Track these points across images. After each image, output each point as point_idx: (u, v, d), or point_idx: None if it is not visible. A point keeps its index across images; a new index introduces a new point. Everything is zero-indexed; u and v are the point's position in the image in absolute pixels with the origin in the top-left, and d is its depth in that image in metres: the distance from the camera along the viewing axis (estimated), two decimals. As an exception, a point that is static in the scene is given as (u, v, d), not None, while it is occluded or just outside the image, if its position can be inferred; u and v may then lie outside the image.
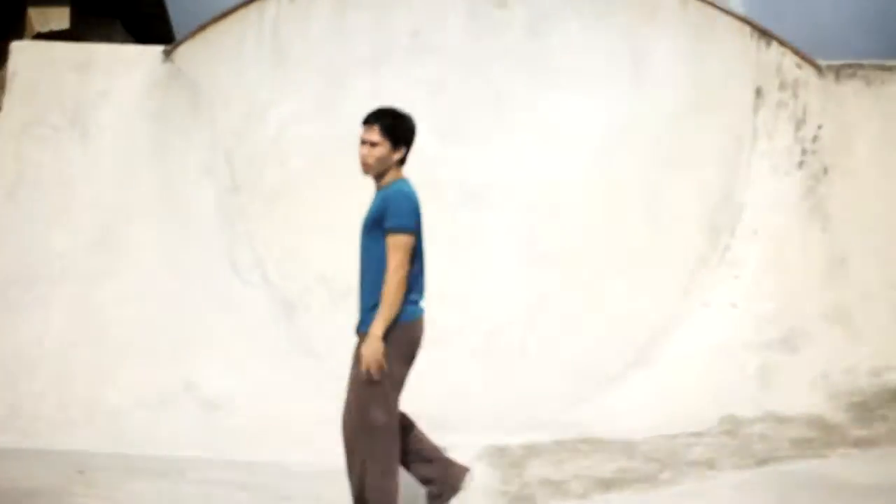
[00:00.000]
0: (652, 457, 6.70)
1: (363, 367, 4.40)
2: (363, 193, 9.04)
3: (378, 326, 4.40)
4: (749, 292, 8.39)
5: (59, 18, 13.64)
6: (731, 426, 7.35)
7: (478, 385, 8.19)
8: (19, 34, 13.09)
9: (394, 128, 4.73)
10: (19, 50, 9.13)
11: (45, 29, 13.44)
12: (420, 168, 9.08)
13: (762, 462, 6.56)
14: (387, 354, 4.45)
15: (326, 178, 9.02)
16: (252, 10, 9.28)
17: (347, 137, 9.41)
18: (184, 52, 9.10)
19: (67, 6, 13.63)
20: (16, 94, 8.85)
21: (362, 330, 4.54)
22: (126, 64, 8.97)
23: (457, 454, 6.63)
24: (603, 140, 9.19)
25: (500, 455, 6.83)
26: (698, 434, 7.21)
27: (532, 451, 6.92)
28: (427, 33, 9.43)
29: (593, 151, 9.16)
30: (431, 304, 8.45)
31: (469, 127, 9.30)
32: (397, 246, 4.48)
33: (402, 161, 4.82)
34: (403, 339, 4.55)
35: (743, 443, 6.99)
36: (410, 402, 7.46)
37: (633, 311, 8.55)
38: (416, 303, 4.66)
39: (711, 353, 8.08)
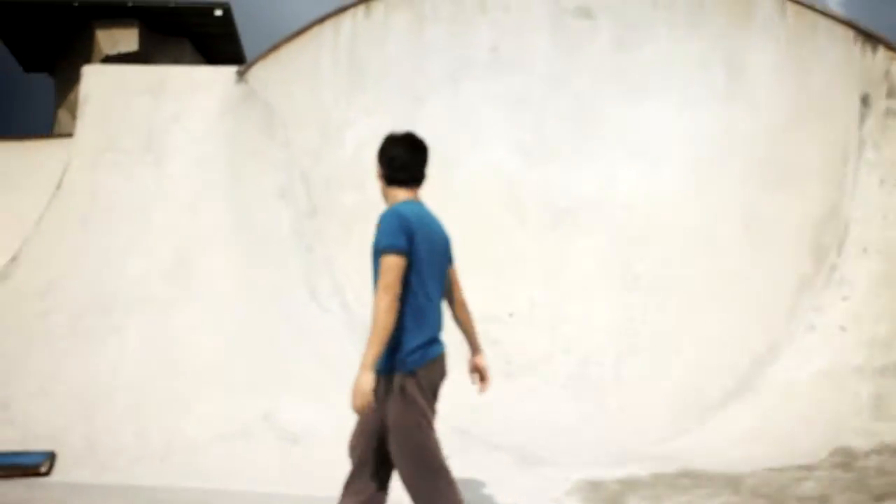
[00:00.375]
0: (759, 492, 6.60)
1: (353, 402, 4.03)
2: (445, 216, 9.20)
3: (367, 356, 4.02)
4: (859, 314, 8.23)
5: (128, 40, 14.08)
6: (845, 459, 7.20)
7: (569, 415, 8.19)
8: (87, 58, 13.53)
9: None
10: (91, 74, 9.44)
11: (113, 52, 13.89)
12: (502, 188, 9.29)
13: (880, 498, 6.41)
14: (406, 398, 4.17)
15: (407, 201, 9.14)
16: (327, 27, 9.50)
17: (431, 156, 9.53)
18: (257, 72, 9.34)
19: (136, 28, 14.05)
20: (88, 119, 9.18)
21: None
22: (199, 86, 9.24)
23: (548, 489, 6.66)
24: (697, 155, 9.17)
25: (594, 490, 6.80)
26: (808, 467, 7.08)
27: (629, 485, 6.87)
28: (507, 47, 9.56)
29: (687, 168, 9.15)
30: (519, 330, 8.56)
31: (554, 145, 9.38)
32: (384, 268, 4.20)
33: (395, 181, 4.63)
34: (425, 382, 4.24)
35: (858, 477, 6.85)
36: (499, 434, 7.51)
37: (734, 337, 8.47)
38: (434, 341, 4.31)
39: (820, 380, 7.94)
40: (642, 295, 8.81)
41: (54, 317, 8.36)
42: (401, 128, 9.24)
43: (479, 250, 9.17)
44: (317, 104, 9.47)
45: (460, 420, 7.82)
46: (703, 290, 8.71)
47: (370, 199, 9.30)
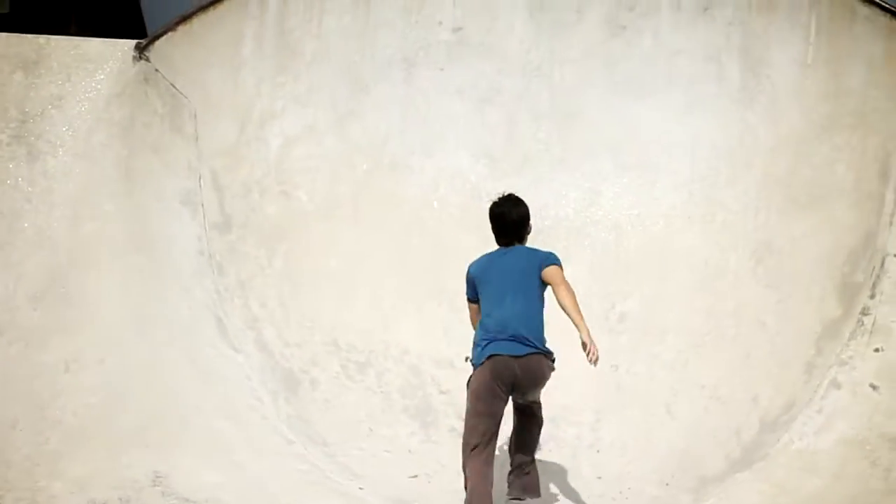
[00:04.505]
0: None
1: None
2: (388, 232, 9.26)
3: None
4: (895, 370, 8.34)
5: (-6, 0, 13.93)
6: (873, 546, 7.30)
7: (535, 486, 8.21)
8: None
9: None
10: (-54, 43, 9.38)
11: (-28, 15, 13.74)
12: (462, 202, 9.37)
13: None
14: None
15: (343, 212, 9.21)
16: (251, -5, 9.57)
17: (371, 158, 9.63)
18: (162, 48, 9.37)
19: (6, -16, 13.90)
20: (-56, 100, 9.10)
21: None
22: (87, 62, 9.21)
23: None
24: (702, 169, 9.35)
25: None
26: (828, 555, 7.17)
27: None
28: (474, 28, 9.69)
29: (689, 184, 9.32)
30: (442, 376, 8.62)
31: (527, 151, 9.54)
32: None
33: None
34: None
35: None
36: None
37: (740, 393, 8.57)
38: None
39: (845, 450, 8.02)
40: (630, 339, 8.90)
41: None
42: (340, 121, 9.44)
43: (430, 279, 9.22)
44: (236, 91, 9.53)
45: (401, 489, 7.88)
46: (706, 336, 8.82)
47: (299, 208, 9.40)
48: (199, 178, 9.26)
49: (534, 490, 7.35)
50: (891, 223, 8.84)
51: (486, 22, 9.66)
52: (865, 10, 9.34)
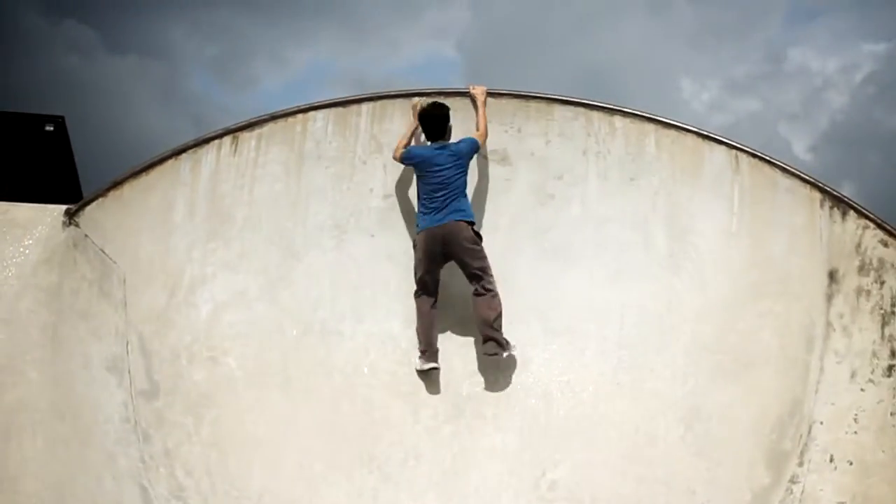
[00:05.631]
0: None
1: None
2: (318, 399, 9.21)
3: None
4: (826, 540, 8.36)
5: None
6: None
7: None
8: None
9: None
10: None
11: None
12: (392, 368, 9.36)
13: None
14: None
15: (273, 379, 9.16)
16: (183, 162, 9.69)
17: (301, 324, 9.62)
18: (93, 213, 9.41)
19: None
20: None
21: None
22: (16, 227, 9.15)
23: None
24: (632, 335, 9.43)
25: None
26: None
27: None
28: (405, 194, 9.85)
29: (619, 350, 9.42)
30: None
31: (457, 315, 9.54)
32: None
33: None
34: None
35: None
36: None
37: (672, 565, 8.52)
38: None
39: None
40: (558, 511, 8.85)
41: None
42: (271, 287, 9.47)
43: (358, 446, 9.15)
44: (166, 256, 9.55)
45: None
46: (636, 505, 8.79)
47: (228, 374, 9.32)
48: (127, 344, 9.19)
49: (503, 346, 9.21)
50: (816, 390, 8.97)
51: (414, 187, 9.78)
52: (787, 182, 9.60)
